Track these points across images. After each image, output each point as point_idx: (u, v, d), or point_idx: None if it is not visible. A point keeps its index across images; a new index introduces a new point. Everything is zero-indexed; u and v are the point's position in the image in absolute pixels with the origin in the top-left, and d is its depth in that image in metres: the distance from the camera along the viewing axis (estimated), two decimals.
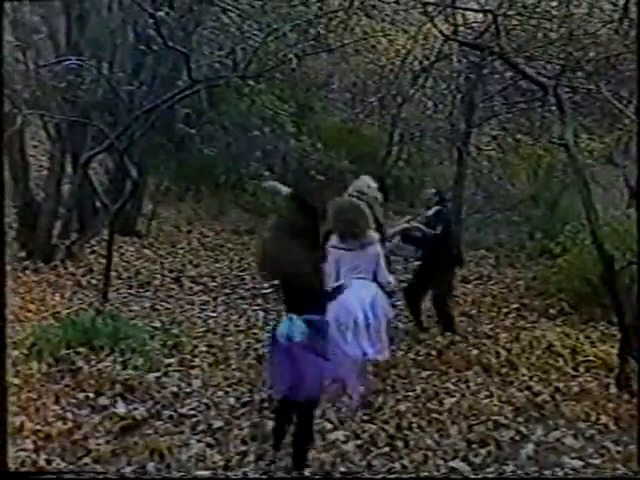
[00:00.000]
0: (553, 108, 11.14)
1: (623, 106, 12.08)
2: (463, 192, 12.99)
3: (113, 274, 9.68)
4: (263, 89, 12.32)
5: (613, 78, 12.76)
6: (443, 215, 8.71)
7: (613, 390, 6.61)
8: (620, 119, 13.12)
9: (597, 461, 5.41)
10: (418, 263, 8.94)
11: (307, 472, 5.18)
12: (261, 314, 9.26)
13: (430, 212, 8.63)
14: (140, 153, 11.54)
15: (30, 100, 10.37)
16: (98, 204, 11.29)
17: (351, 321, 6.48)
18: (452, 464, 5.21)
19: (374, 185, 8.01)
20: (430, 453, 5.42)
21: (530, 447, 5.66)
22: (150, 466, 5.40)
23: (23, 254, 10.51)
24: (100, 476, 3.96)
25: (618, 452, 5.52)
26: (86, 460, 5.45)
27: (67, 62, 9.52)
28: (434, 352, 7.80)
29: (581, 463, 5.31)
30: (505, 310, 9.48)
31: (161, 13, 8.52)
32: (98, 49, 10.97)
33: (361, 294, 6.64)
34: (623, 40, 10.04)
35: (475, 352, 7.69)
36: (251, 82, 10.84)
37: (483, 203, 14.25)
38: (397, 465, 5.22)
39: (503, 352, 7.72)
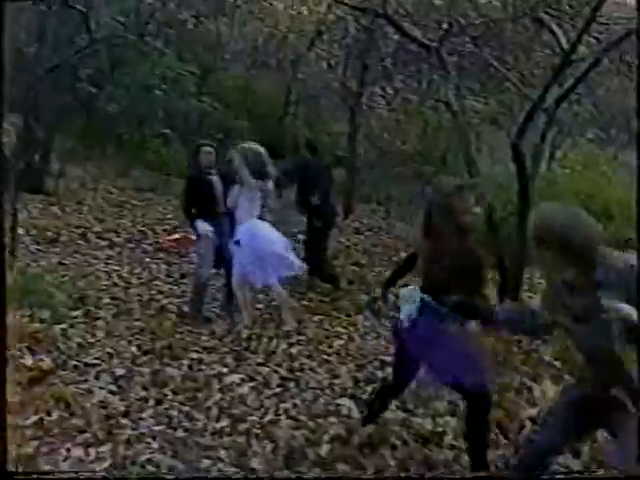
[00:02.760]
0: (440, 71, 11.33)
1: (506, 70, 12.37)
2: (357, 149, 13.12)
3: (21, 231, 9.49)
4: (164, 50, 12.15)
5: (497, 44, 13.03)
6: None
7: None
8: (504, 83, 13.41)
9: None
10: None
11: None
12: (163, 267, 9.25)
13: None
14: (47, 113, 11.26)
15: None
16: (5, 163, 10.98)
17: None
18: (339, 401, 5.33)
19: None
20: (320, 392, 5.53)
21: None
22: (55, 414, 5.38)
23: None
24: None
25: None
26: None
27: None
28: (326, 299, 7.94)
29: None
30: (395, 259, 9.66)
31: None
32: None
33: None
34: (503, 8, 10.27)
35: (365, 298, 7.84)
36: (151, 42, 10.67)
37: (376, 159, 14.41)
38: (289, 404, 5.31)
39: (393, 298, 7.86)
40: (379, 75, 14.00)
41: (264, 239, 6.95)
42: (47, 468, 4.58)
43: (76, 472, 4.02)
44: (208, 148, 7.76)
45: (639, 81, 7.98)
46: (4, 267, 3.56)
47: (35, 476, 3.92)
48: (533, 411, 5.05)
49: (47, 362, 6.18)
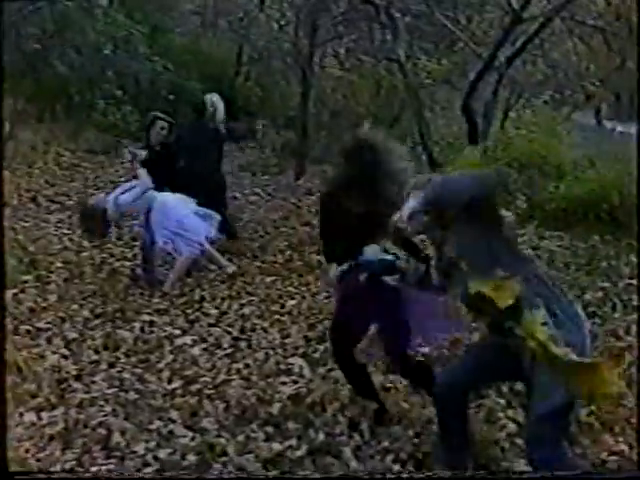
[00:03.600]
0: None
1: (459, 30, 12.41)
2: (309, 110, 13.06)
3: None
4: (114, 8, 11.95)
5: (449, 3, 13.05)
6: None
7: None
8: (457, 43, 13.44)
9: None
10: None
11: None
12: (115, 230, 9.17)
13: None
14: None
15: None
16: None
17: None
18: (291, 360, 5.38)
19: None
20: (271, 351, 5.57)
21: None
22: (9, 379, 5.35)
23: None
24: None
25: None
26: None
27: None
28: (279, 259, 7.98)
29: None
30: None
31: None
32: None
33: None
34: None
35: (316, 257, 7.85)
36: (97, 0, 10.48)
37: (328, 120, 14.37)
38: (240, 365, 5.34)
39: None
40: (330, 35, 13.91)
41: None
42: None
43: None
44: (162, 123, 7.69)
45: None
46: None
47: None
48: None
49: None
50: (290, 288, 7.04)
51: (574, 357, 3.03)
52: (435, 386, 3.74)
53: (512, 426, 4.29)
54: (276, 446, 4.21)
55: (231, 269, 7.42)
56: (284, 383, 4.99)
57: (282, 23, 14.15)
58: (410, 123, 13.03)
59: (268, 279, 7.32)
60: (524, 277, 3.23)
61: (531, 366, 3.23)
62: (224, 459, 4.10)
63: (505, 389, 4.67)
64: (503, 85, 11.28)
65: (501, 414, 4.44)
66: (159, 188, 7.19)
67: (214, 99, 8.21)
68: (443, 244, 3.44)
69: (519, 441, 4.11)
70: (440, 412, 3.73)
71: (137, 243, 8.28)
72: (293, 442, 4.24)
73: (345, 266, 4.14)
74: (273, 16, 14.27)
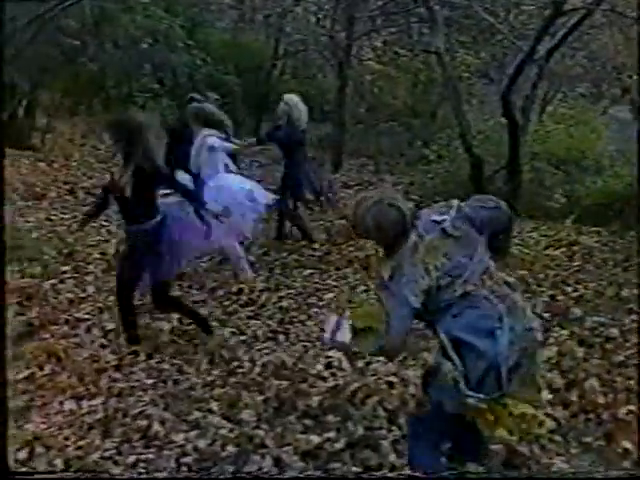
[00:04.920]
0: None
1: (498, 23, 12.28)
2: (345, 104, 13.05)
3: (8, 187, 9.43)
4: (154, 3, 12.00)
5: None
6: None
7: None
8: (494, 35, 13.32)
9: None
10: None
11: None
12: None
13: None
14: (30, 66, 11.11)
15: None
16: None
17: None
18: (329, 353, 5.35)
19: None
20: (309, 344, 5.56)
21: None
22: (47, 368, 5.40)
23: None
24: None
25: None
26: None
27: None
28: (317, 253, 7.96)
29: None
30: None
31: None
32: None
33: None
34: None
35: (354, 251, 7.84)
36: None
37: (365, 114, 14.34)
38: (279, 357, 5.33)
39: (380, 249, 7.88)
40: (367, 28, 13.86)
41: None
42: (39, 420, 4.62)
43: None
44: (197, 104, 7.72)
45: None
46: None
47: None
48: None
49: (38, 316, 6.23)
50: (328, 281, 7.02)
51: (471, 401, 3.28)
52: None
53: (550, 423, 4.24)
54: (314, 439, 4.20)
55: (245, 277, 7.16)
56: (322, 377, 4.96)
57: (319, 16, 14.13)
58: (447, 117, 12.98)
59: (306, 272, 7.32)
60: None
61: None
62: (263, 451, 4.10)
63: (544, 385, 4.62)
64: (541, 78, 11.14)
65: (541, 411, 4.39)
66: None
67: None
68: None
69: (558, 438, 4.09)
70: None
71: None
72: (332, 435, 4.23)
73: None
74: (310, 9, 14.26)
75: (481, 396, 3.29)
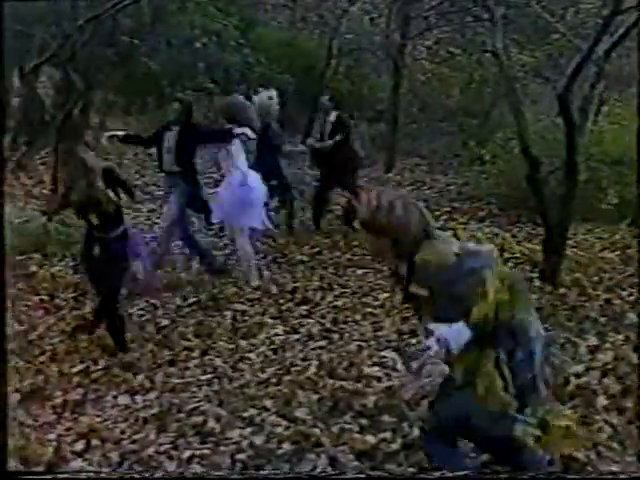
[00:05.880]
0: (486, 22, 11.13)
1: (555, 21, 12.10)
2: (399, 103, 12.99)
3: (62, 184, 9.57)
4: (206, 1, 12.07)
5: None
6: (342, 120, 8.81)
7: (537, 283, 6.78)
8: (550, 34, 13.13)
9: None
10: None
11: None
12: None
13: (330, 118, 8.70)
14: (86, 65, 11.26)
15: None
16: (46, 116, 11.11)
17: None
18: (384, 353, 5.32)
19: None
20: (364, 344, 5.53)
21: None
22: (102, 362, 5.46)
23: None
24: (100, 476, 4.00)
25: None
26: (42, 359, 5.54)
27: None
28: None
29: None
30: (437, 213, 9.58)
31: None
32: None
33: None
34: None
35: None
36: None
37: (419, 113, 14.27)
38: (334, 355, 5.32)
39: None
40: (422, 28, 13.78)
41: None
42: (94, 413, 4.67)
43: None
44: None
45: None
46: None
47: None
48: (578, 367, 4.99)
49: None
50: (381, 281, 6.97)
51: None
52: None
53: (608, 429, 4.16)
54: (370, 439, 4.17)
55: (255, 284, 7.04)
56: (377, 377, 4.92)
57: (373, 16, 14.10)
58: (501, 117, 12.84)
59: (360, 271, 7.28)
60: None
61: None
62: (318, 450, 4.07)
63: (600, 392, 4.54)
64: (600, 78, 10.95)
65: (598, 417, 4.30)
66: None
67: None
68: None
69: (615, 445, 4.00)
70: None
71: (226, 233, 8.35)
72: (387, 435, 4.18)
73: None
74: (364, 9, 14.24)
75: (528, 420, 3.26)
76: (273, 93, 8.54)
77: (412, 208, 3.33)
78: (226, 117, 7.50)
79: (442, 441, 3.51)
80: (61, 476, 4.01)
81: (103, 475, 4.03)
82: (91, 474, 4.02)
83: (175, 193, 7.25)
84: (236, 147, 7.05)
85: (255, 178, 7.18)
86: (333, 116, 8.75)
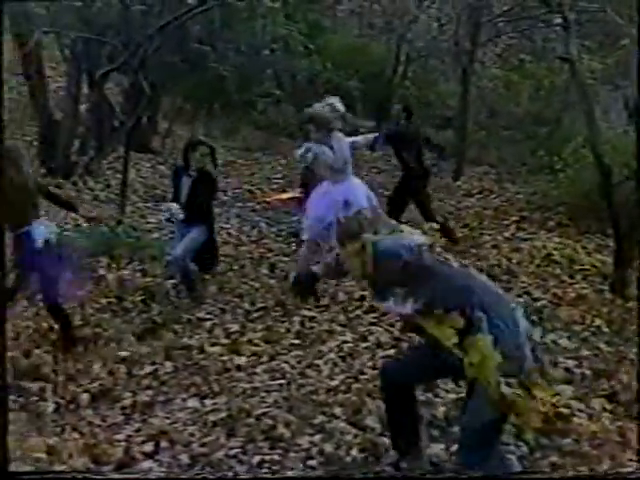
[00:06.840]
0: (556, 28, 11.00)
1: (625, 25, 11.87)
2: (468, 110, 12.91)
3: (130, 189, 9.74)
4: (275, 8, 12.13)
5: None
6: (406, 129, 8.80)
7: (607, 295, 6.68)
8: (620, 40, 12.91)
9: (590, 361, 5.46)
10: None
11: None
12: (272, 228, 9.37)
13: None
14: (154, 72, 11.42)
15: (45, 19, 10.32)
16: (115, 122, 11.30)
17: None
18: None
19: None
20: None
21: None
22: (168, 365, 5.52)
23: (44, 171, 10.56)
24: (100, 476, 4.05)
25: (610, 352, 5.59)
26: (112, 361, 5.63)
27: None
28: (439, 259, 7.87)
29: (575, 362, 5.37)
30: (506, 222, 9.51)
31: None
32: None
33: None
34: None
35: (477, 261, 7.73)
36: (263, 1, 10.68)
37: (487, 121, 14.17)
38: None
39: (504, 261, 7.77)
40: (492, 34, 13.68)
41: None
42: (163, 415, 4.72)
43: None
44: None
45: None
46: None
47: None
48: None
49: (161, 315, 6.39)
50: None
51: (507, 390, 3.38)
52: (383, 382, 4.03)
53: None
54: (439, 448, 4.15)
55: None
56: (445, 389, 4.88)
57: (442, 22, 14.05)
58: (572, 125, 12.66)
59: None
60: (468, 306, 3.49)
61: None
62: (387, 459, 4.06)
63: None
64: None
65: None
66: None
67: None
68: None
69: None
70: (389, 409, 4.01)
71: (294, 240, 8.35)
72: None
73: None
74: (433, 15, 14.20)
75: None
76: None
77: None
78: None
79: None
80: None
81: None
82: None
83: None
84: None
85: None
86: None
